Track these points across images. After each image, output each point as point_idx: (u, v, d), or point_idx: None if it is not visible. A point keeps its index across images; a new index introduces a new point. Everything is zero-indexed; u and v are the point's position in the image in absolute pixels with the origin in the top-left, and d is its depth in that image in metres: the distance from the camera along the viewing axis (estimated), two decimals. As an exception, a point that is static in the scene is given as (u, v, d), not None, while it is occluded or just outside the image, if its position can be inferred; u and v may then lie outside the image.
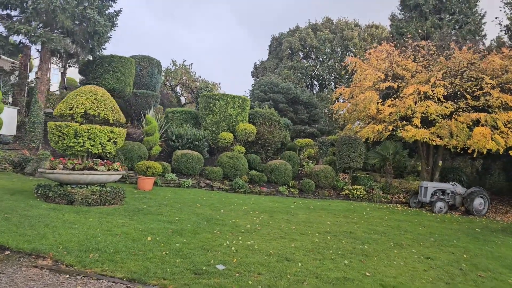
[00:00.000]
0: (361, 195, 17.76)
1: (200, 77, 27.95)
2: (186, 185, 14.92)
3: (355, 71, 21.29)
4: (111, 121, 9.56)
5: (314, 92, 44.51)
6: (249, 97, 32.71)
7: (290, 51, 45.05)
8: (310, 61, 45.22)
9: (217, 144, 18.32)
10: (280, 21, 70.43)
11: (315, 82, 46.93)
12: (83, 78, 17.49)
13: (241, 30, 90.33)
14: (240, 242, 7.77)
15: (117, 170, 9.84)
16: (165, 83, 27.89)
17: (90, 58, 16.92)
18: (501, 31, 24.52)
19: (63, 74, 21.54)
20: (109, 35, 15.12)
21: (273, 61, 47.06)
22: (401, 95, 18.66)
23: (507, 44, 23.24)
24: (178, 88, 28.03)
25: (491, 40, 25.49)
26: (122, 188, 10.06)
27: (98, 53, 15.04)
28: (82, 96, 9.31)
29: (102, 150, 9.38)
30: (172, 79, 27.40)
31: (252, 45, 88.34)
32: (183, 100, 28.26)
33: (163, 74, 27.76)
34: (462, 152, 18.32)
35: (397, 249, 8.82)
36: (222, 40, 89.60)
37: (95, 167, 9.27)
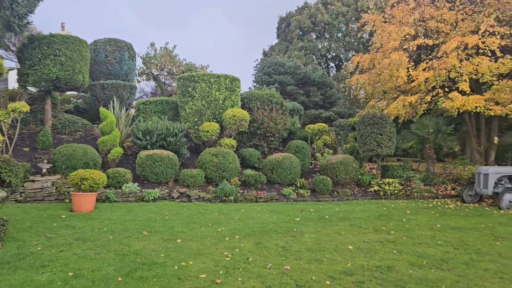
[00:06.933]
0: (395, 191, 13.27)
1: (185, 60, 23.72)
2: (152, 198, 10.82)
3: (374, 32, 16.70)
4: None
5: (331, 74, 39.82)
6: (253, 83, 28.47)
7: (300, 31, 40.47)
8: (325, 41, 40.48)
9: (202, 139, 14.15)
10: (282, 6, 64.94)
11: (332, 64, 42.25)
12: (21, 68, 13.58)
13: (240, 28, 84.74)
14: None
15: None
16: (145, 72, 23.85)
17: (26, 41, 13.02)
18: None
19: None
20: (35, 3, 11.10)
21: (282, 44, 42.50)
22: (439, 54, 14.00)
23: None
24: (162, 78, 23.98)
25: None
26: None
27: (18, 29, 11.10)
28: None
29: None
30: (153, 66, 23.33)
31: (258, 38, 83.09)
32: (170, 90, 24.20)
33: (142, 60, 23.77)
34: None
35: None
36: (223, 41, 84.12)
37: None
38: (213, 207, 10.61)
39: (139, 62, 24.77)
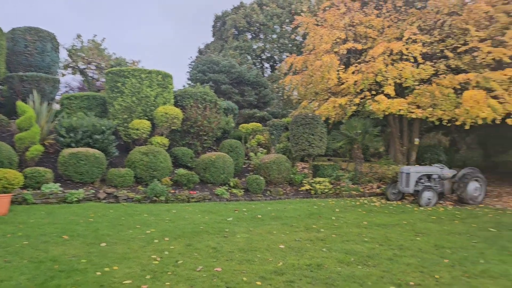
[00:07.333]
0: (326, 190, 13.63)
1: (115, 54, 22.86)
2: (75, 199, 10.14)
3: (307, 34, 17.08)
4: None
5: (266, 75, 40.30)
6: (188, 81, 27.97)
7: (235, 31, 40.50)
8: (260, 42, 40.86)
9: (132, 137, 13.57)
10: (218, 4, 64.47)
11: (266, 65, 42.75)
12: None
13: (175, 25, 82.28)
14: None
15: None
16: (70, 65, 22.49)
17: None
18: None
19: None
20: None
21: (218, 42, 42.29)
22: (367, 59, 14.63)
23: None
24: (90, 72, 22.76)
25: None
26: None
27: None
28: None
29: None
30: (79, 59, 22.05)
31: (194, 36, 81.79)
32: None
33: (67, 53, 22.38)
34: (450, 123, 14.43)
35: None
36: (157, 38, 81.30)
37: None
38: (142, 208, 10.18)
39: (64, 55, 23.27)
